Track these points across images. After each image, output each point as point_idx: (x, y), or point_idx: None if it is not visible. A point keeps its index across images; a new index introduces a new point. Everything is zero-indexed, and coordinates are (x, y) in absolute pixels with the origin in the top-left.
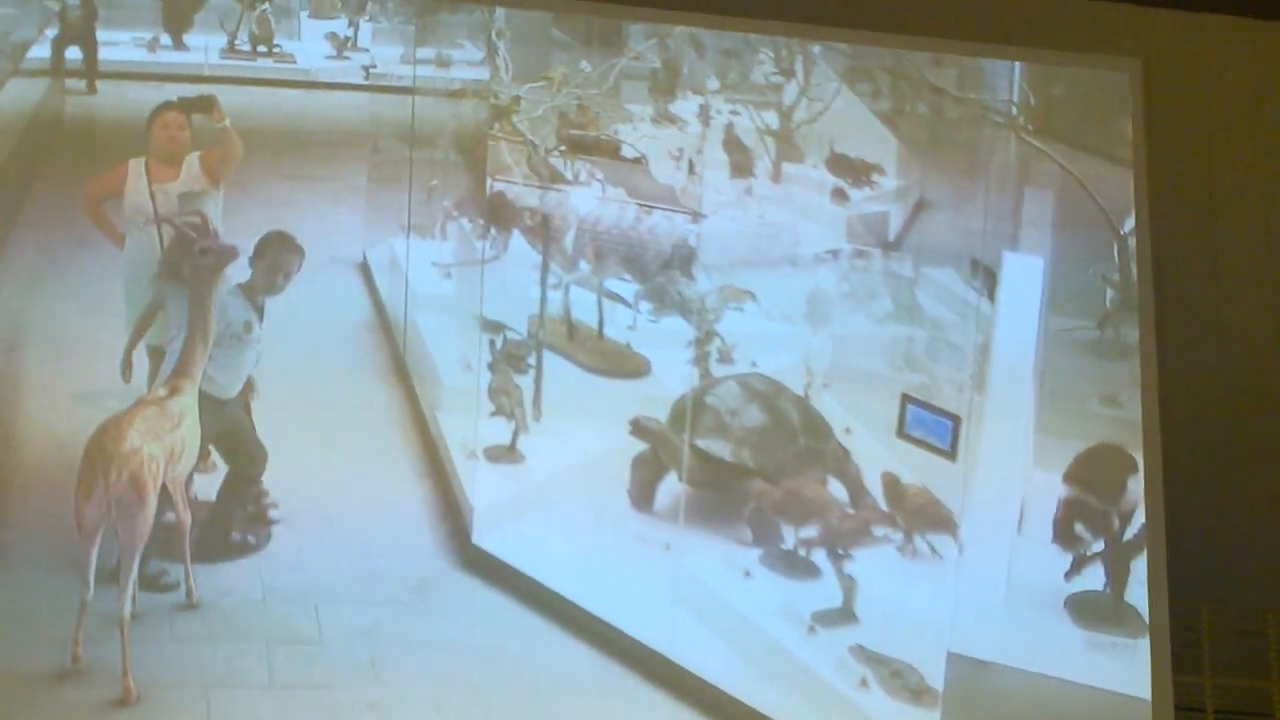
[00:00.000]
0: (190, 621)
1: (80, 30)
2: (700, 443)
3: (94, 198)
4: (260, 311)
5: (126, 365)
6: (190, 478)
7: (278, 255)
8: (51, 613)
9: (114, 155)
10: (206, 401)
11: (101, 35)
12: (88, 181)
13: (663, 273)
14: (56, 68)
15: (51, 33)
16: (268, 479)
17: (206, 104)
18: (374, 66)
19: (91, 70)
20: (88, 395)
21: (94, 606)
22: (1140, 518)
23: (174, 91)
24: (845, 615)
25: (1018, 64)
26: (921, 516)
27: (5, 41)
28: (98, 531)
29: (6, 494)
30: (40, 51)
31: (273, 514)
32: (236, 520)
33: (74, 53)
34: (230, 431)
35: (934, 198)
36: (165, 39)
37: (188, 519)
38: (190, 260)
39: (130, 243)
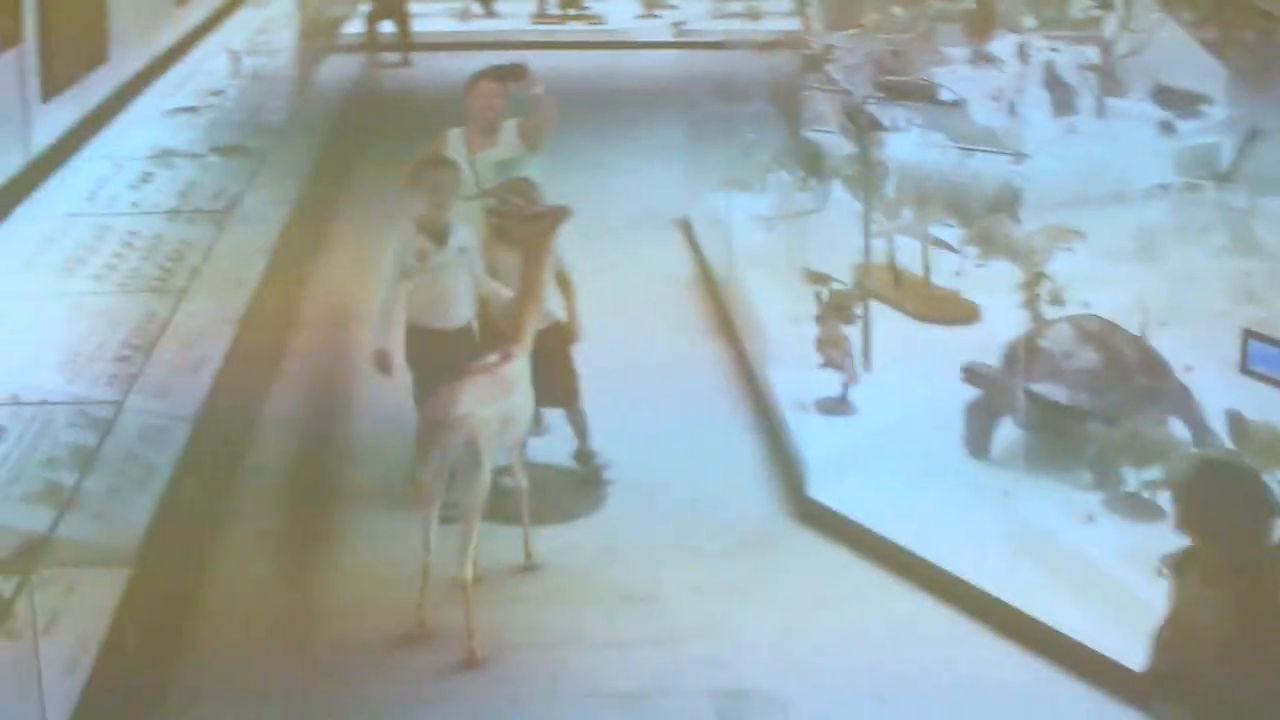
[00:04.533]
0: (531, 583)
1: (392, 4)
2: (1035, 386)
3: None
4: (438, 236)
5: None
6: (525, 442)
7: (423, 175)
8: (395, 580)
9: (432, 126)
10: (418, 333)
11: (413, 8)
12: (411, 158)
13: (988, 216)
14: (371, 42)
15: (365, 8)
16: (598, 440)
17: (518, 72)
18: (684, 23)
19: (405, 43)
20: None
21: (436, 571)
22: None
23: (487, 60)
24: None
25: None
26: (1270, 454)
27: (321, 19)
28: (436, 497)
29: (346, 463)
30: (355, 27)
31: (607, 474)
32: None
33: (387, 26)
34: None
35: (1267, 125)
36: (476, 7)
37: (525, 482)
38: (521, 227)
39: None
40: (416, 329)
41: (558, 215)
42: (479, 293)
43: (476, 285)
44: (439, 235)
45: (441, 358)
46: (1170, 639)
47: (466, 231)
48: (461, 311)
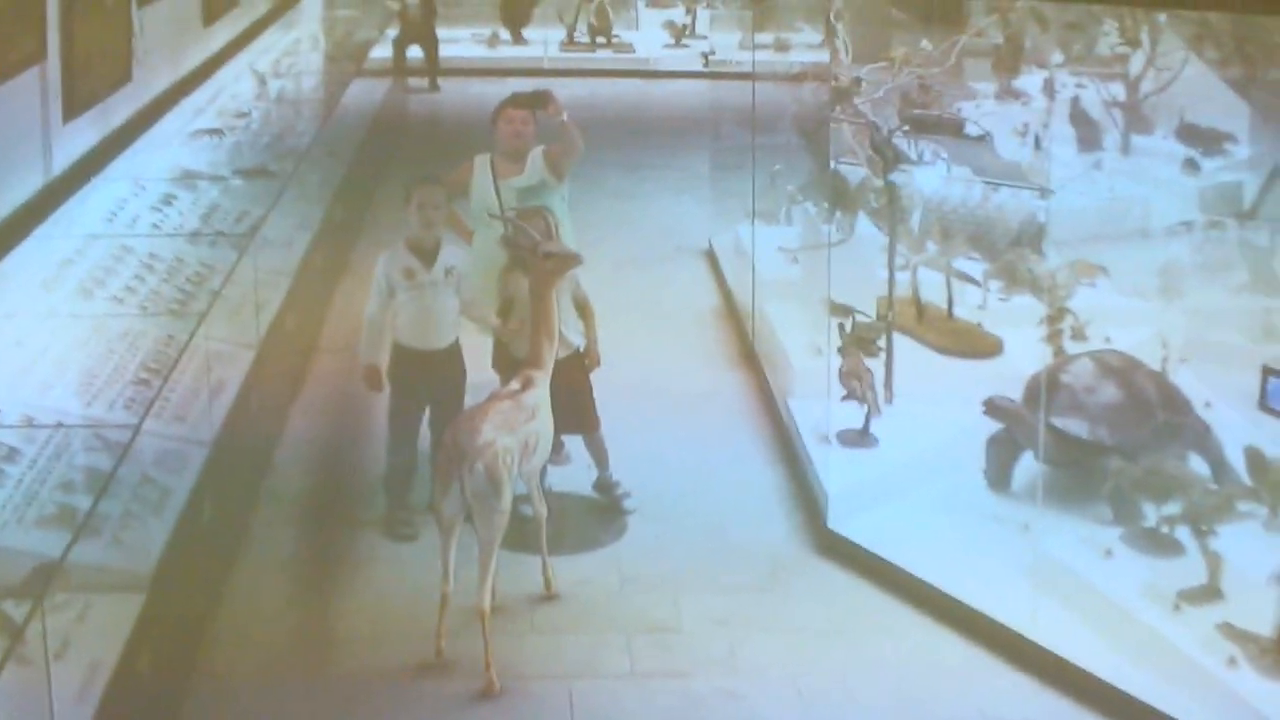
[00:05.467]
0: (550, 613)
1: (420, 29)
2: (1056, 421)
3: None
4: (427, 256)
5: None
6: (544, 470)
7: (411, 191)
8: (413, 608)
9: (458, 152)
10: (403, 352)
11: (441, 33)
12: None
13: (1012, 250)
14: (398, 66)
15: (392, 33)
16: (618, 469)
17: (542, 99)
18: (713, 53)
19: (432, 68)
20: None
21: (455, 600)
22: None
23: (515, 87)
24: (1211, 592)
25: None
26: None
27: (348, 43)
28: (455, 525)
29: (365, 490)
30: (382, 52)
31: (627, 504)
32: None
33: (415, 51)
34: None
35: None
36: (504, 34)
37: (544, 511)
38: (533, 260)
39: (477, 238)
40: (401, 348)
41: (567, 261)
42: (469, 317)
43: (464, 309)
44: (428, 255)
45: (424, 379)
46: None
47: (456, 252)
48: (447, 333)
